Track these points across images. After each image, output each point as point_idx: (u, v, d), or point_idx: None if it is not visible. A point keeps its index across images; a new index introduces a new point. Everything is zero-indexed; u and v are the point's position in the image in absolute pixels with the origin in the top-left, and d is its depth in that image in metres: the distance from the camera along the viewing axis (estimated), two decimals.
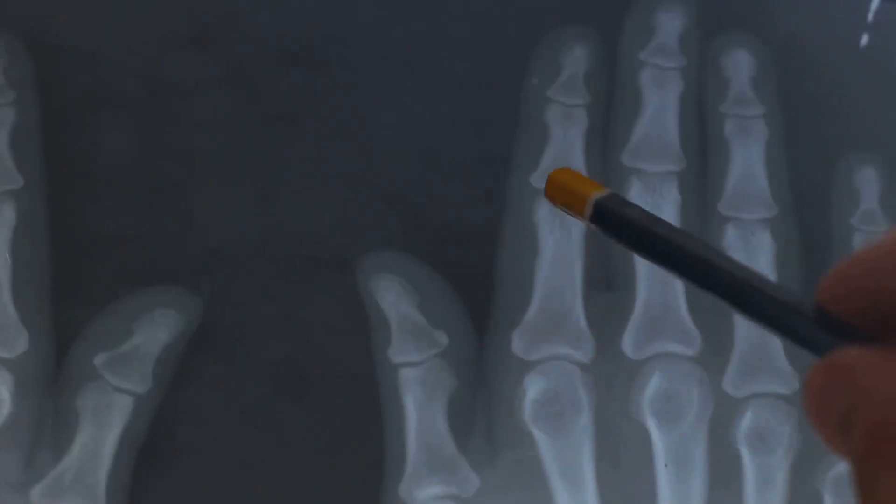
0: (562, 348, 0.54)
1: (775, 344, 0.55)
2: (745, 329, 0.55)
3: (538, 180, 0.57)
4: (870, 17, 0.63)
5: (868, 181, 0.59)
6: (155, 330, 0.53)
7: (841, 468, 0.52)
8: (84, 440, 0.50)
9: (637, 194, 0.57)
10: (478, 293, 0.55)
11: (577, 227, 0.56)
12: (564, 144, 0.59)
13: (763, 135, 0.60)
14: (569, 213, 0.33)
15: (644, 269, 0.56)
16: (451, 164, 0.58)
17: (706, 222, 0.57)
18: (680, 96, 0.60)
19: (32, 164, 0.56)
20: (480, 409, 0.53)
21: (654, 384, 0.53)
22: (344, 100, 0.59)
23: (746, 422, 0.53)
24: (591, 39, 0.61)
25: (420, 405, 0.52)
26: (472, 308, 0.55)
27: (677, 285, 0.55)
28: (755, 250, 0.57)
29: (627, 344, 0.54)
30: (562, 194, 0.33)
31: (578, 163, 0.58)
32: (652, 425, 0.52)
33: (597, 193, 0.32)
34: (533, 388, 0.53)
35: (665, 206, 0.57)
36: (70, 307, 0.53)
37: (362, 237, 0.56)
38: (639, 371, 0.53)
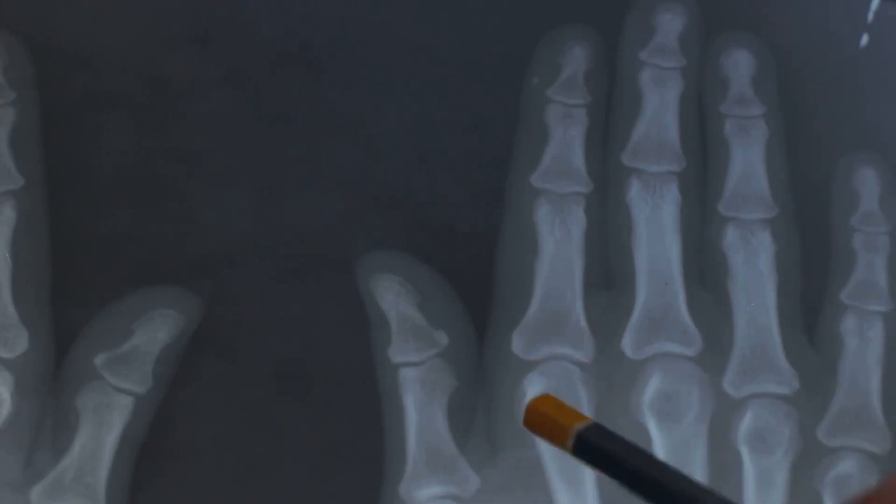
0: (562, 348, 0.54)
1: (775, 344, 0.55)
2: (745, 329, 0.55)
3: (538, 180, 0.57)
4: (870, 17, 0.63)
5: (868, 181, 0.59)
6: (155, 330, 0.53)
7: (841, 468, 0.52)
8: (84, 440, 0.50)
9: (637, 194, 0.57)
10: (478, 293, 0.55)
11: (577, 227, 0.56)
12: (564, 144, 0.59)
13: (763, 135, 0.60)
14: (547, 442, 0.33)
15: (644, 268, 0.56)
16: (451, 164, 0.58)
17: (706, 222, 0.57)
18: (680, 96, 0.60)
19: (32, 164, 0.56)
20: (480, 409, 0.53)
21: (654, 384, 0.53)
22: (343, 100, 0.59)
23: (746, 422, 0.53)
24: (591, 39, 0.61)
25: (420, 405, 0.52)
26: (472, 308, 0.55)
27: (677, 285, 0.55)
28: (755, 250, 0.56)
29: (627, 344, 0.54)
30: (542, 423, 0.33)
31: (578, 162, 0.58)
32: (652, 425, 0.52)
33: (578, 425, 0.32)
34: (533, 388, 0.53)
35: (665, 206, 0.57)
36: (70, 307, 0.53)
37: (362, 237, 0.56)
38: (639, 371, 0.53)
